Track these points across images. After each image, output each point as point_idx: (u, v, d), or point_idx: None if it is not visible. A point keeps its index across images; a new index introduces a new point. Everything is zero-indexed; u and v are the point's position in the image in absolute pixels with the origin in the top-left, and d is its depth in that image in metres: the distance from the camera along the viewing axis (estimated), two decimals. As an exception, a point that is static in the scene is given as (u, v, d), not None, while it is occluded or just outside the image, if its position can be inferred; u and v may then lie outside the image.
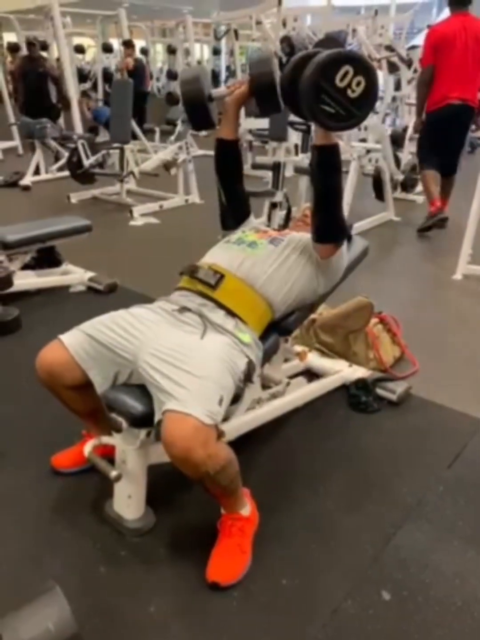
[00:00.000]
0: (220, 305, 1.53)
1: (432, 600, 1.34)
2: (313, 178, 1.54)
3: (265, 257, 1.62)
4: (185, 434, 1.22)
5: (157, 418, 1.30)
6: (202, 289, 1.56)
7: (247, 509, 1.47)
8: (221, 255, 1.66)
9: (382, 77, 7.49)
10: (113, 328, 1.47)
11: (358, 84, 1.33)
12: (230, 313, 1.52)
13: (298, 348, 2.08)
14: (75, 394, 1.52)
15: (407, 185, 5.29)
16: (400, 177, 5.04)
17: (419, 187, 5.68)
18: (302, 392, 2.01)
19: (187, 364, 1.33)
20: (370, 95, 1.36)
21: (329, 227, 1.60)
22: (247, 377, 1.47)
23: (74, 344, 1.46)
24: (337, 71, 1.31)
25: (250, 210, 1.86)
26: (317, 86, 1.33)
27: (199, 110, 1.59)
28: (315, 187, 1.54)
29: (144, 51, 11.25)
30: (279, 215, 4.25)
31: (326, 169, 1.51)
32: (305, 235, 1.69)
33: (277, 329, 1.70)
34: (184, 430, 1.22)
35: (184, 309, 1.52)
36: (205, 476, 1.27)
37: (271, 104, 1.59)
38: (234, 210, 1.82)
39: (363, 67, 1.33)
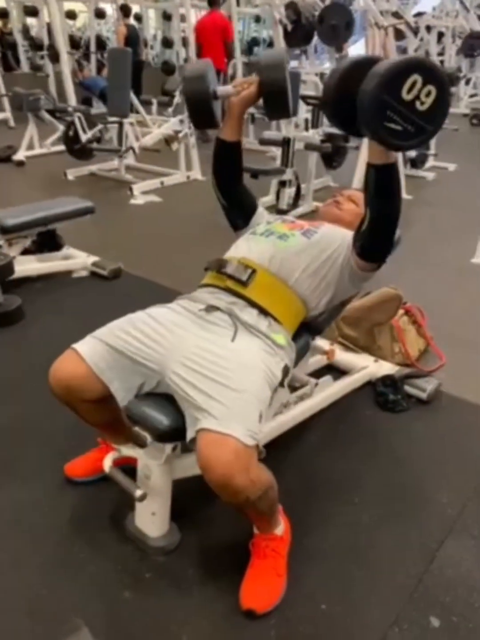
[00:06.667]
0: (253, 304, 1.39)
1: (484, 628, 1.25)
2: (368, 200, 1.34)
3: (298, 250, 1.48)
4: (226, 459, 1.09)
5: (189, 436, 1.18)
6: (231, 285, 1.42)
7: (281, 528, 1.36)
8: (249, 248, 1.51)
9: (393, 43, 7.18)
10: (133, 334, 1.32)
11: (428, 94, 1.13)
12: (263, 312, 1.39)
13: (326, 346, 1.96)
14: (94, 406, 1.38)
15: (417, 162, 5.12)
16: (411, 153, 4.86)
17: (429, 163, 5.51)
18: (328, 392, 1.89)
19: (222, 375, 1.20)
20: (442, 106, 1.16)
21: (378, 250, 1.43)
22: (282, 383, 1.34)
23: (93, 355, 1.30)
24: (403, 82, 1.12)
25: (256, 203, 1.71)
26: (381, 102, 1.13)
27: (202, 110, 1.48)
28: (370, 209, 1.34)
29: (138, 17, 10.82)
30: (288, 193, 4.08)
31: (385, 193, 1.31)
32: (340, 231, 1.52)
33: (308, 329, 1.57)
34: (224, 454, 1.10)
35: (211, 308, 1.38)
36: (245, 502, 1.16)
37: (281, 111, 1.49)
38: (238, 210, 1.67)
39: (434, 74, 1.13)
